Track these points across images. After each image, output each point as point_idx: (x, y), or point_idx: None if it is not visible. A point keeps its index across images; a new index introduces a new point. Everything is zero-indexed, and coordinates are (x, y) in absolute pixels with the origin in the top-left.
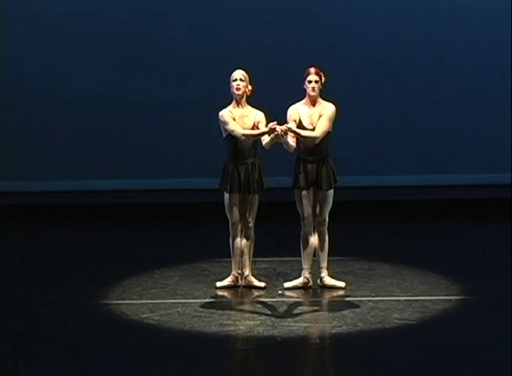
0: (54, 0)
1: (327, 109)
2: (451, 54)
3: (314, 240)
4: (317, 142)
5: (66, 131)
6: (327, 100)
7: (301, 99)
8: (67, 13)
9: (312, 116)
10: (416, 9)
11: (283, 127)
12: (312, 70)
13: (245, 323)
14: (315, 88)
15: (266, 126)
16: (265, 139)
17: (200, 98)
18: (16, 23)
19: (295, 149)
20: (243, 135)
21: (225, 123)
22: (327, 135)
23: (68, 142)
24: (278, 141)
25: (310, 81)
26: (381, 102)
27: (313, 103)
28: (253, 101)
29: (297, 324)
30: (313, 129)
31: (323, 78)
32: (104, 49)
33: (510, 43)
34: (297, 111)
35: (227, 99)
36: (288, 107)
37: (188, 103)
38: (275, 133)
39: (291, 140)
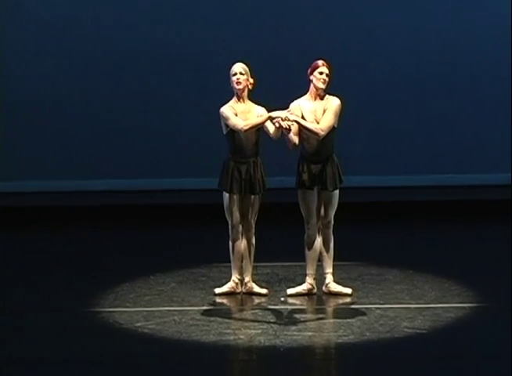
0: (51, 3)
1: (332, 103)
2: (452, 54)
3: (318, 243)
4: (321, 137)
5: (65, 131)
6: (332, 94)
7: (303, 96)
8: (65, 14)
9: (316, 111)
10: (418, 9)
11: (284, 114)
12: (322, 62)
13: (245, 332)
14: (326, 81)
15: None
16: (271, 130)
17: (200, 97)
18: (15, 24)
19: (297, 146)
20: (246, 125)
21: (227, 118)
22: (332, 130)
23: (67, 142)
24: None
25: (321, 73)
26: (386, 102)
27: (320, 96)
28: (254, 97)
29: (301, 333)
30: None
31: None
32: (103, 48)
33: (510, 43)
34: (300, 107)
35: (227, 97)
36: (289, 103)
37: (187, 102)
38: (278, 125)
39: (294, 136)
